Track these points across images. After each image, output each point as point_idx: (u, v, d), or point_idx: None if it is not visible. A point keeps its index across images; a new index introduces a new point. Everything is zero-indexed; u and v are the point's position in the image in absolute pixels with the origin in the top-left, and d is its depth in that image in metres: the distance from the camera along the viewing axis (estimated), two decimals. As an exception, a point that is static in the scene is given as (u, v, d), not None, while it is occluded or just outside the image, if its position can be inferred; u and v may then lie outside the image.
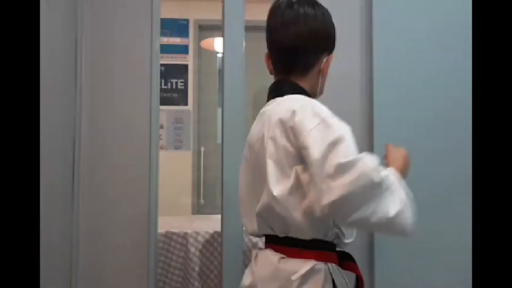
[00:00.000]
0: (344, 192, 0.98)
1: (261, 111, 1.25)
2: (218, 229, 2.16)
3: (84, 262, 1.69)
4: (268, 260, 1.17)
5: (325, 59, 1.24)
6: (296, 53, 1.22)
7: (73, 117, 1.70)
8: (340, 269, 1.17)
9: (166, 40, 3.87)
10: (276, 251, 1.17)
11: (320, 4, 1.26)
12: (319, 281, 1.11)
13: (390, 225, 1.06)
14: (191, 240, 2.58)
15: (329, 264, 1.14)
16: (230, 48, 1.77)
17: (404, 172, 1.19)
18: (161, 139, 3.79)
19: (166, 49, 3.87)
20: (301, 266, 1.11)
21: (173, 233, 2.61)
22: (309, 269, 1.10)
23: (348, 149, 1.03)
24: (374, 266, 1.71)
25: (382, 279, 1.71)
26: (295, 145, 1.08)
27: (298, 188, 1.09)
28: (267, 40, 1.28)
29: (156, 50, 1.77)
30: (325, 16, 1.25)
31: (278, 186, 1.10)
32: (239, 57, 1.77)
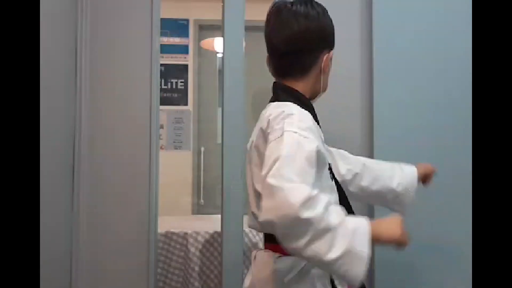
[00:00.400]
0: (267, 217, 0.95)
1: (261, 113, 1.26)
2: (218, 229, 2.16)
3: (84, 262, 1.69)
4: (265, 261, 1.18)
5: (324, 57, 1.23)
6: (291, 56, 1.21)
7: (73, 117, 1.70)
8: None
9: (166, 40, 3.87)
10: (273, 250, 1.18)
11: (316, 2, 1.25)
12: (314, 278, 1.12)
13: (326, 267, 0.99)
14: (191, 240, 2.58)
15: None
16: (230, 48, 1.77)
17: (381, 236, 1.02)
18: (161, 139, 3.79)
19: (166, 49, 3.87)
20: (295, 265, 1.12)
21: (173, 233, 2.61)
22: (302, 267, 1.12)
23: (283, 170, 0.97)
24: (374, 266, 1.71)
25: (382, 279, 1.71)
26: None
27: None
28: (265, 42, 1.28)
29: (156, 50, 1.77)
30: (320, 15, 1.23)
31: None
32: (239, 57, 1.77)
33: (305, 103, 1.21)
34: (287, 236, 0.96)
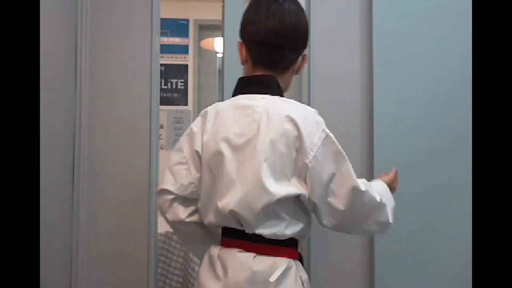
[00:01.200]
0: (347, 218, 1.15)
1: (244, 103, 1.17)
2: (218, 229, 2.16)
3: (84, 262, 1.69)
4: (241, 263, 1.11)
5: (300, 58, 1.24)
6: (279, 49, 1.19)
7: (73, 117, 1.70)
8: (301, 264, 1.18)
9: (166, 40, 3.87)
10: (245, 249, 1.12)
11: (298, 1, 1.25)
12: (292, 279, 1.11)
13: (387, 226, 1.23)
14: (191, 240, 2.58)
15: (295, 261, 1.15)
16: (230, 48, 1.77)
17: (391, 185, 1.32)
18: (161, 139, 3.79)
19: (166, 49, 3.87)
20: (277, 265, 1.10)
21: (173, 233, 2.61)
22: (285, 268, 1.10)
23: (351, 169, 1.13)
24: (374, 266, 1.71)
25: (382, 279, 1.71)
26: (295, 155, 1.10)
27: (296, 195, 1.11)
28: (244, 29, 1.23)
29: (156, 50, 1.77)
30: (305, 14, 1.24)
31: (275, 187, 1.08)
32: (239, 57, 1.76)
33: None
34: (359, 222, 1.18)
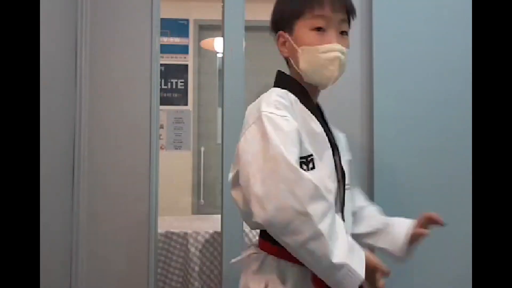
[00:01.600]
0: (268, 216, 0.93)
1: None
2: (218, 229, 2.17)
3: (84, 262, 1.69)
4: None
5: (278, 41, 1.20)
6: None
7: (73, 117, 1.70)
8: (289, 265, 1.03)
9: (166, 40, 3.88)
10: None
11: None
12: (249, 272, 1.08)
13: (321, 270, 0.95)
14: (191, 240, 2.58)
15: (273, 258, 1.05)
16: (230, 48, 1.77)
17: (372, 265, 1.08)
18: (161, 139, 3.79)
19: (166, 49, 3.87)
20: (243, 256, 1.14)
21: (173, 233, 2.61)
22: (243, 257, 1.13)
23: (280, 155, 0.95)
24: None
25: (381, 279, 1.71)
26: None
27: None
28: None
29: (156, 50, 1.77)
30: None
31: (230, 176, 1.13)
32: (239, 57, 1.76)
33: (295, 88, 1.14)
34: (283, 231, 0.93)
